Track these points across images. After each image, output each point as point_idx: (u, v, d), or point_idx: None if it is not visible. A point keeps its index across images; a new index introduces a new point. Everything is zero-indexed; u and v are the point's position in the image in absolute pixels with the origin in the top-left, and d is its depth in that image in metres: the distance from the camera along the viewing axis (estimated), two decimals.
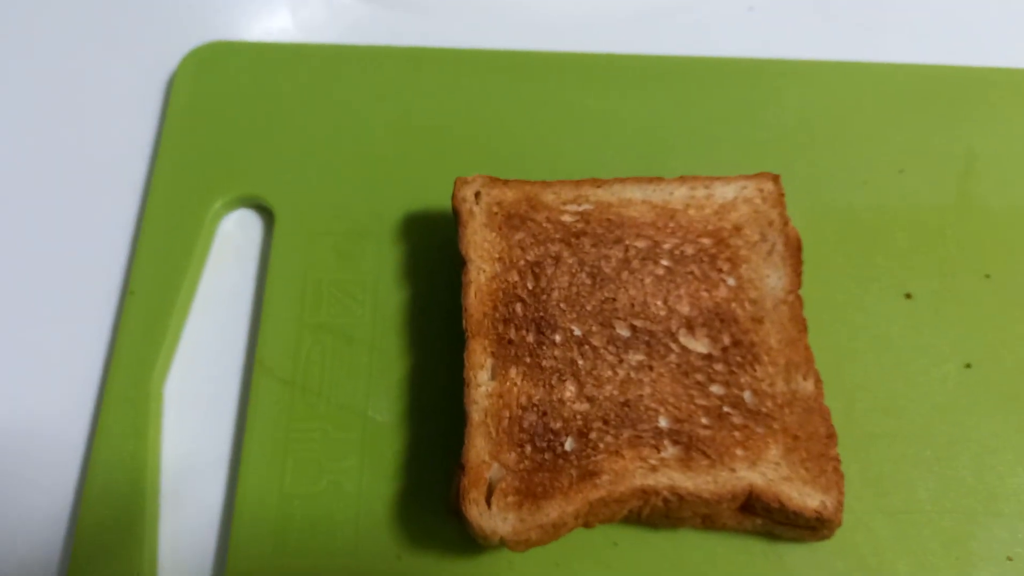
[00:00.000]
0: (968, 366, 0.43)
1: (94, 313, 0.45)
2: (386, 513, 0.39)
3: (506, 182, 0.42)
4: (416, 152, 0.47)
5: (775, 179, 0.43)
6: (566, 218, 0.41)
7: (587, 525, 0.37)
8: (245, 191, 0.47)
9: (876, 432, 0.41)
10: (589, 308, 0.39)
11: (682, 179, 0.43)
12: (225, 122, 0.49)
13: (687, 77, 0.51)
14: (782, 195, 0.42)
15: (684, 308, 0.39)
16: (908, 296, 0.45)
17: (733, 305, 0.39)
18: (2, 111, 0.51)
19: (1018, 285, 0.45)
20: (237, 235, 0.47)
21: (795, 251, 0.41)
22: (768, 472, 0.36)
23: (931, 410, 0.42)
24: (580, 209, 0.42)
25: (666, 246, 0.41)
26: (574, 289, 0.39)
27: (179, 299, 0.43)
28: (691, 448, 0.36)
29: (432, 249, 0.45)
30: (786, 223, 0.42)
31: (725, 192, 0.42)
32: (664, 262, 0.40)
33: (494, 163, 0.47)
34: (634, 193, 0.42)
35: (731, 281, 0.40)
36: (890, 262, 0.46)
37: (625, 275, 0.40)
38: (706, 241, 0.41)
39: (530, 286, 0.39)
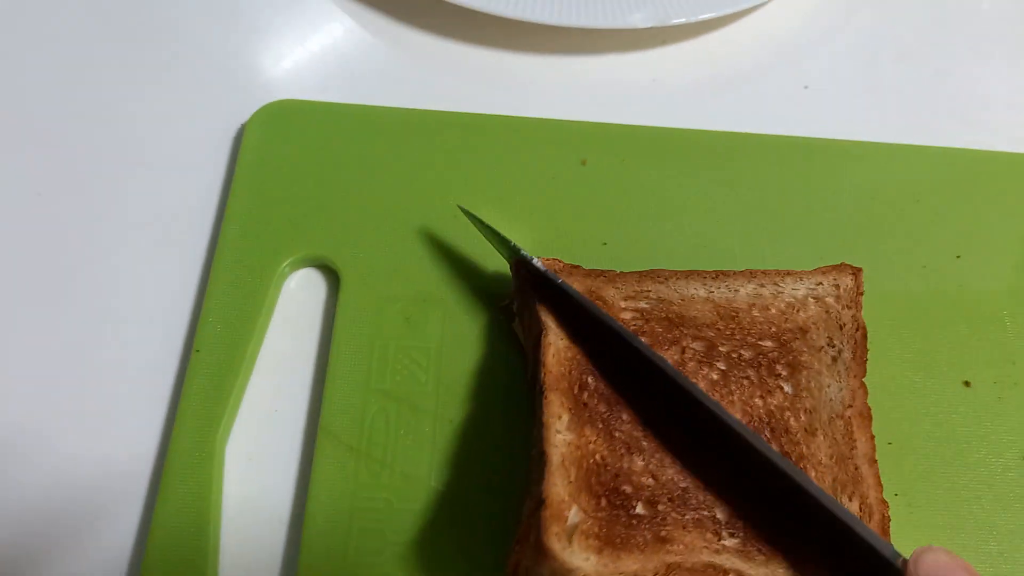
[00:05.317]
0: None
1: (159, 370, 0.45)
2: None
3: (571, 270, 0.42)
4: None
5: (855, 273, 0.42)
6: (625, 315, 0.40)
7: None
8: (312, 252, 0.47)
9: (939, 523, 0.41)
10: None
11: (750, 274, 0.42)
12: (293, 181, 0.49)
13: (743, 154, 0.52)
14: (860, 293, 0.41)
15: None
16: (967, 384, 0.45)
17: (787, 414, 0.38)
18: (72, 165, 0.52)
19: None
20: (301, 295, 0.47)
21: (861, 341, 0.41)
22: None
23: (993, 501, 0.41)
24: (640, 307, 0.41)
25: (723, 348, 0.39)
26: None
27: (245, 358, 0.43)
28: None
29: (497, 317, 0.45)
30: (858, 328, 0.40)
31: (795, 291, 0.41)
32: (720, 365, 0.39)
33: (556, 231, 0.48)
34: (697, 290, 0.41)
35: (788, 388, 0.39)
36: (949, 349, 0.46)
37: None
38: (767, 344, 0.40)
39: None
